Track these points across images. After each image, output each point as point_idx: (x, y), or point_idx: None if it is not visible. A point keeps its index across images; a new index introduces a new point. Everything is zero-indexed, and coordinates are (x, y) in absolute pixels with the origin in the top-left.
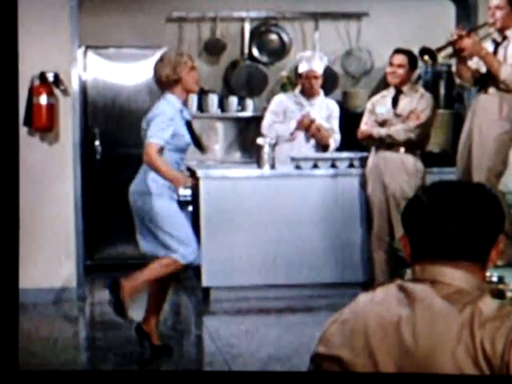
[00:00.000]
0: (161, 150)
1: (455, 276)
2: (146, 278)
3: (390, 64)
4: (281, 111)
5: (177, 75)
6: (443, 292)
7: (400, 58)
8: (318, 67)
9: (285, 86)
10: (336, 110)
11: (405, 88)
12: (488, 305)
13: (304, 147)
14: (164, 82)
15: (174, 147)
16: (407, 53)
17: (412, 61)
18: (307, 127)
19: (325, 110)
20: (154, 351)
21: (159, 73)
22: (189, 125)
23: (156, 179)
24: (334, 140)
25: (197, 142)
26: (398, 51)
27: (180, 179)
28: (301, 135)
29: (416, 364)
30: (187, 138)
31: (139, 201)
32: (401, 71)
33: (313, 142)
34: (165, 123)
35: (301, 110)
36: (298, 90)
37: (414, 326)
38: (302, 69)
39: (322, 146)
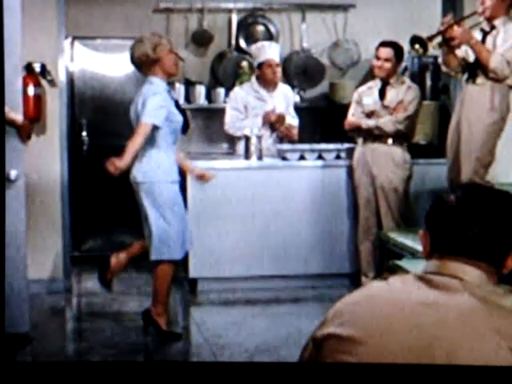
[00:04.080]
0: (154, 130)
1: (474, 274)
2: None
3: (377, 58)
4: (242, 106)
5: (156, 55)
6: (467, 287)
7: (386, 52)
8: (277, 56)
9: (241, 77)
10: (292, 95)
11: (392, 80)
12: None
13: (267, 141)
14: (144, 62)
15: (168, 128)
16: (393, 45)
17: (398, 53)
18: (273, 122)
19: (283, 99)
20: (162, 337)
21: (138, 52)
22: (177, 104)
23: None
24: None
25: (186, 122)
26: (384, 44)
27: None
28: (265, 129)
29: (436, 348)
30: (179, 116)
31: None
32: (388, 65)
33: (274, 135)
34: (159, 104)
35: (262, 105)
36: (254, 81)
37: (439, 312)
38: (263, 58)
39: (289, 140)
